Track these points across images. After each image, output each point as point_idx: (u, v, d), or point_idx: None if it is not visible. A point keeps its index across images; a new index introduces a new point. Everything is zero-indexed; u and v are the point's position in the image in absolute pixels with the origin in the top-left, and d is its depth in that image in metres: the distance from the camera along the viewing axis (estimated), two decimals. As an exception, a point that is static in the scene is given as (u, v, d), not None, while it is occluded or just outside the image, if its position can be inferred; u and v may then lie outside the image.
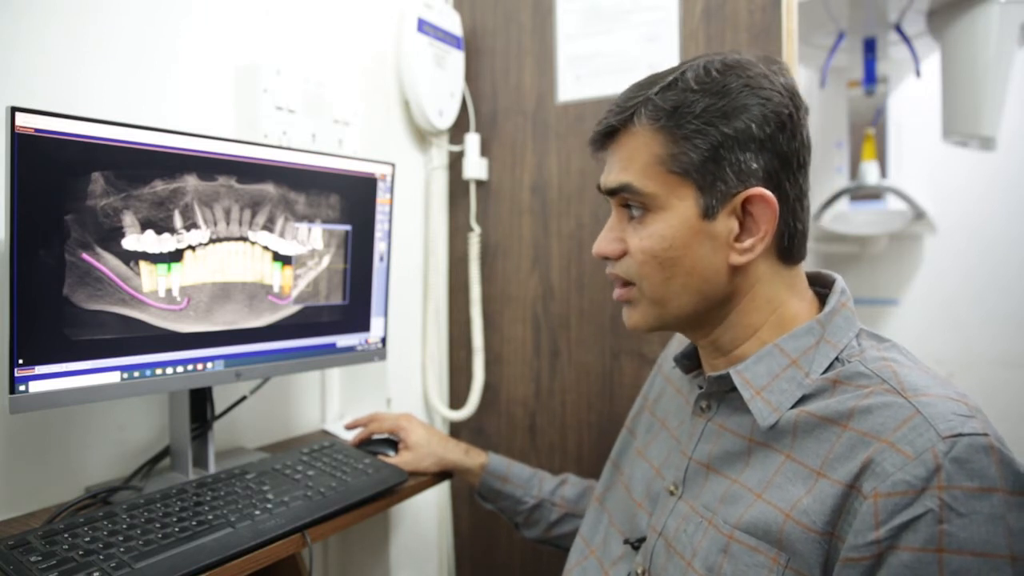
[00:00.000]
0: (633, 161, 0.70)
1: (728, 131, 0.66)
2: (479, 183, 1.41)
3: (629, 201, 0.72)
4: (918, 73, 2.30)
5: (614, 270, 0.75)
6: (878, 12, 2.12)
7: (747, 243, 0.68)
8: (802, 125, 0.70)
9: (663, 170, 0.68)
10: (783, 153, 0.68)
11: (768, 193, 0.67)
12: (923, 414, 0.57)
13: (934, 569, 0.53)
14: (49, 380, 0.75)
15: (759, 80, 0.68)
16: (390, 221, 1.15)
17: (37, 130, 0.71)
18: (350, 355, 1.12)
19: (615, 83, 1.28)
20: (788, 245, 0.70)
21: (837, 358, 0.67)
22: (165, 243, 0.85)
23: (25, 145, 0.70)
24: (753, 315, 0.71)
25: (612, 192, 0.73)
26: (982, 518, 0.53)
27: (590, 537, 0.88)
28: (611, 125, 0.72)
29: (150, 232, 0.83)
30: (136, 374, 0.84)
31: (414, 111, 1.31)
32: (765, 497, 0.64)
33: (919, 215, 2.42)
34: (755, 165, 0.67)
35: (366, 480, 0.95)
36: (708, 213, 0.68)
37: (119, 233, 0.80)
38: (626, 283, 0.74)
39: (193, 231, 0.87)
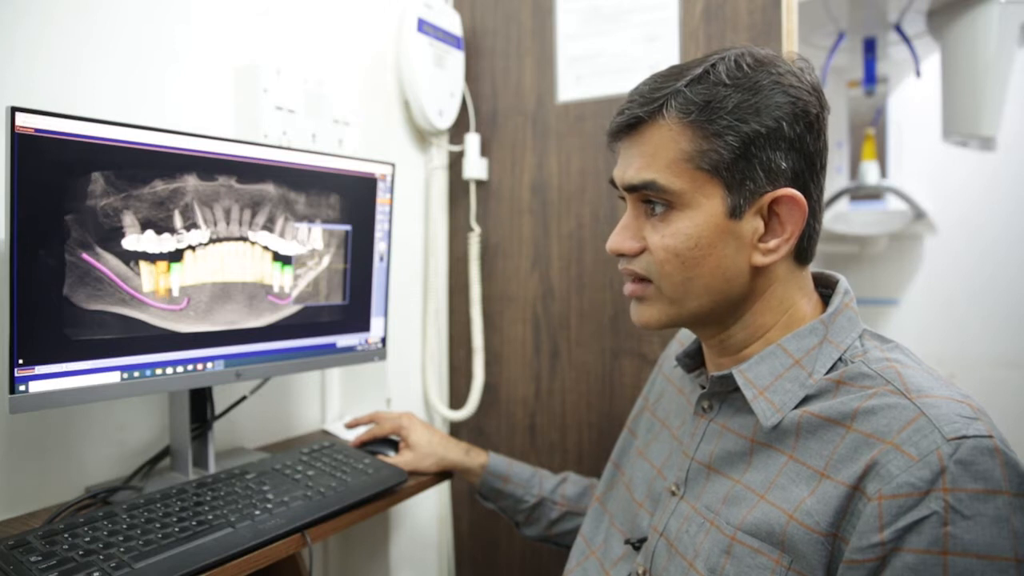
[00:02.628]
0: (658, 157, 0.68)
1: (760, 129, 0.65)
2: (479, 183, 1.41)
3: (651, 198, 0.69)
4: (918, 73, 2.30)
5: (631, 266, 0.72)
6: (878, 12, 2.12)
7: (772, 244, 0.67)
8: (826, 125, 0.70)
9: (691, 167, 0.66)
10: (809, 153, 0.67)
11: (799, 194, 0.66)
12: (927, 416, 0.57)
13: (939, 571, 0.53)
14: (49, 380, 0.75)
15: (788, 78, 0.67)
16: (390, 221, 1.15)
17: (37, 130, 0.71)
18: (350, 355, 1.11)
19: (615, 83, 1.28)
20: (806, 246, 0.70)
21: (840, 358, 0.67)
22: (165, 243, 0.84)
23: (25, 145, 0.70)
24: (767, 315, 0.71)
25: (633, 188, 0.70)
26: (987, 520, 0.53)
27: (591, 537, 0.88)
28: (637, 116, 0.69)
29: (150, 232, 0.83)
30: (136, 374, 0.83)
31: (414, 111, 1.31)
32: (768, 498, 0.63)
33: (919, 215, 2.42)
34: (784, 165, 0.66)
35: (366, 480, 0.95)
36: (735, 212, 0.66)
37: (119, 233, 0.80)
38: (639, 279, 0.73)
39: (193, 231, 0.87)
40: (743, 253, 0.68)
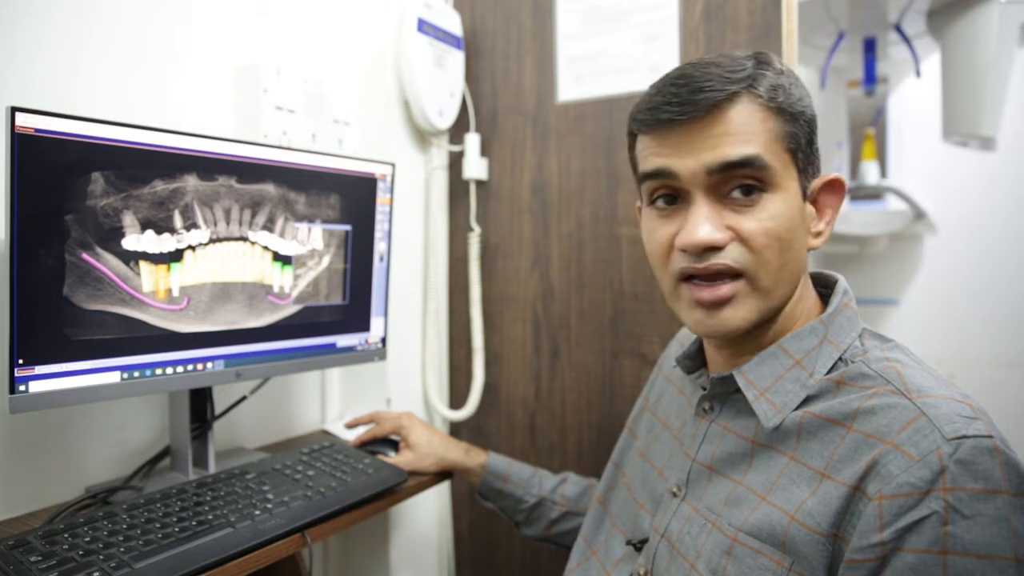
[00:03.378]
0: (755, 134, 0.64)
1: (815, 117, 0.69)
2: (479, 183, 1.41)
3: (745, 179, 0.64)
4: (918, 73, 2.30)
5: (723, 260, 0.64)
6: (878, 12, 2.12)
7: (819, 227, 0.70)
8: None
9: (781, 147, 0.66)
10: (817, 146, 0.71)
11: (842, 178, 0.69)
12: (927, 416, 0.57)
13: (939, 571, 0.53)
14: (49, 380, 0.75)
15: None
16: (390, 221, 1.15)
17: (37, 130, 0.71)
18: (350, 355, 1.11)
19: (615, 83, 1.28)
20: None
21: (840, 358, 0.67)
22: (165, 243, 0.84)
23: (25, 145, 0.70)
24: (799, 304, 0.71)
25: (729, 166, 0.63)
26: (987, 520, 0.53)
27: (591, 538, 0.88)
28: (729, 92, 0.63)
29: (150, 232, 0.83)
30: (136, 374, 0.83)
31: (414, 111, 1.31)
32: (769, 499, 0.63)
33: (919, 215, 2.42)
34: (819, 152, 0.70)
35: (366, 480, 0.95)
36: (806, 195, 0.69)
37: (119, 233, 0.80)
38: (731, 276, 0.65)
39: (193, 231, 0.87)
40: (807, 238, 0.70)
